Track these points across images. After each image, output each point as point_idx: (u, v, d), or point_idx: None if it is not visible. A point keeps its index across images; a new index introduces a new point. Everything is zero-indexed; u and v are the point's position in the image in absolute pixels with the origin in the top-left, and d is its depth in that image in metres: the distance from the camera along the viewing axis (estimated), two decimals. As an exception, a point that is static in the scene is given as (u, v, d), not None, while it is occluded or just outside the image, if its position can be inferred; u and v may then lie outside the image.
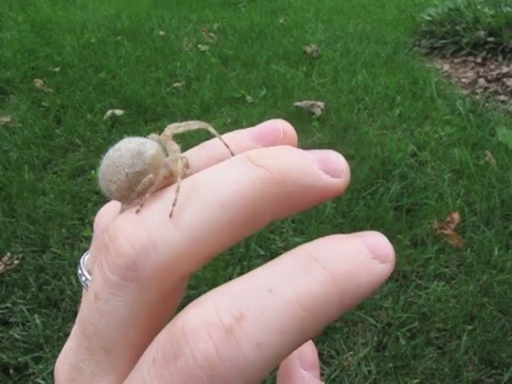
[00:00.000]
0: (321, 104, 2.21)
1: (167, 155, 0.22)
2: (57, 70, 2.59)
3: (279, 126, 0.21)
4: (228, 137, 0.22)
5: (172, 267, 0.18)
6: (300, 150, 0.20)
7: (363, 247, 0.19)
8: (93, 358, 0.19)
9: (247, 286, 0.17)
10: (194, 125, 0.23)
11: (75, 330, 0.20)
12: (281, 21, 3.55)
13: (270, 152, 0.19)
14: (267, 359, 0.16)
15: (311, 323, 0.17)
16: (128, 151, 0.22)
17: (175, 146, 0.22)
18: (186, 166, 0.22)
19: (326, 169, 0.19)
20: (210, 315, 0.17)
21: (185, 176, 0.21)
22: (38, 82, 2.42)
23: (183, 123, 0.23)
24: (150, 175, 0.21)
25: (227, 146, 0.21)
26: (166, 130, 0.23)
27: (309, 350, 0.25)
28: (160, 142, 0.22)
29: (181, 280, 0.19)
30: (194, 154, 0.23)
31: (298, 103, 2.22)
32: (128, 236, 0.18)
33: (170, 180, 0.22)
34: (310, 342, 0.25)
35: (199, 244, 0.18)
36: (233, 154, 0.21)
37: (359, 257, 0.18)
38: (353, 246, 0.18)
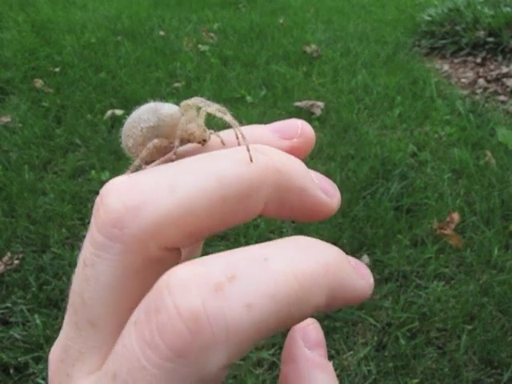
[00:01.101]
0: (321, 104, 2.21)
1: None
2: (57, 70, 2.59)
3: (298, 123, 0.22)
4: (247, 128, 0.22)
5: (159, 231, 0.17)
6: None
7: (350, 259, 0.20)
8: (80, 333, 0.18)
9: (243, 254, 0.17)
10: (216, 112, 0.23)
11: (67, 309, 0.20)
12: (281, 21, 3.55)
13: (276, 150, 0.20)
14: (255, 324, 0.15)
15: (301, 300, 0.16)
16: (146, 108, 0.23)
17: (200, 119, 0.23)
18: (207, 138, 0.22)
19: (322, 187, 0.21)
20: (199, 270, 0.16)
21: (201, 142, 0.22)
22: (38, 82, 2.42)
23: (209, 102, 0.23)
24: (156, 140, 0.22)
25: (242, 136, 0.21)
26: (193, 99, 0.23)
27: (312, 327, 0.24)
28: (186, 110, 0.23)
29: (169, 253, 0.18)
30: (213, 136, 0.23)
31: (297, 103, 2.22)
32: (120, 192, 0.18)
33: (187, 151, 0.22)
34: (314, 320, 0.25)
35: (190, 212, 0.17)
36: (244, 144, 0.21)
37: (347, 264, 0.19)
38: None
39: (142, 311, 0.16)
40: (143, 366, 0.15)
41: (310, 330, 0.24)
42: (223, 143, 0.22)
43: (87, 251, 0.18)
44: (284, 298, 0.16)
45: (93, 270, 0.18)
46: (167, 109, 0.23)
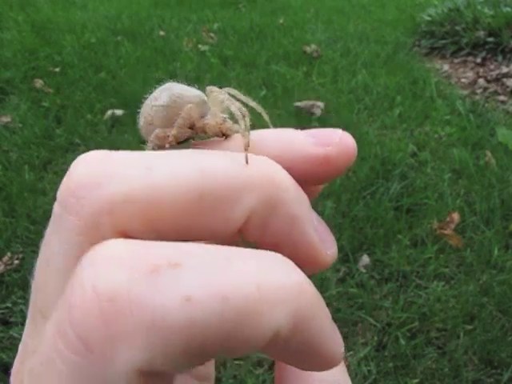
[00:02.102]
0: (321, 104, 2.21)
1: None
2: (57, 70, 2.59)
3: (338, 131, 0.19)
4: (276, 130, 0.20)
5: (119, 211, 0.14)
6: None
7: None
8: (35, 327, 0.16)
9: (202, 247, 0.14)
10: (250, 102, 0.22)
11: None
12: (281, 21, 3.55)
13: (284, 171, 0.18)
14: (191, 324, 0.12)
15: (258, 315, 0.13)
16: (161, 87, 0.21)
17: (219, 108, 0.21)
18: (223, 128, 0.20)
19: (320, 232, 0.18)
20: (137, 248, 0.13)
21: (219, 135, 0.20)
22: (38, 82, 2.42)
23: (243, 96, 0.22)
24: (157, 130, 0.20)
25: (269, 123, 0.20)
26: (225, 89, 0.22)
27: None
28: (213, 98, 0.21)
29: None
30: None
31: (297, 103, 2.22)
32: (90, 162, 0.16)
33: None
34: None
35: (158, 200, 0.15)
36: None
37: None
38: None
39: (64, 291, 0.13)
40: (52, 359, 0.13)
41: None
42: (247, 143, 0.19)
43: (47, 230, 0.16)
44: (237, 304, 0.13)
45: (47, 250, 0.16)
46: (180, 89, 0.21)
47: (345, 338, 1.17)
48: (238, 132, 0.20)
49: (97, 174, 0.15)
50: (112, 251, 0.13)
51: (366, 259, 1.37)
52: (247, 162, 0.16)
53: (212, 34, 3.24)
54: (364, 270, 1.34)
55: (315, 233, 0.17)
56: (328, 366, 0.16)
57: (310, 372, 0.20)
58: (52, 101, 2.25)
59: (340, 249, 1.40)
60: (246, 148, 0.18)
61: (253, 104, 0.22)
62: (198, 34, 3.25)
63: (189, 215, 0.15)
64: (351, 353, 1.13)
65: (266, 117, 0.22)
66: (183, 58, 2.80)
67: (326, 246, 0.18)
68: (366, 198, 1.61)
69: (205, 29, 3.32)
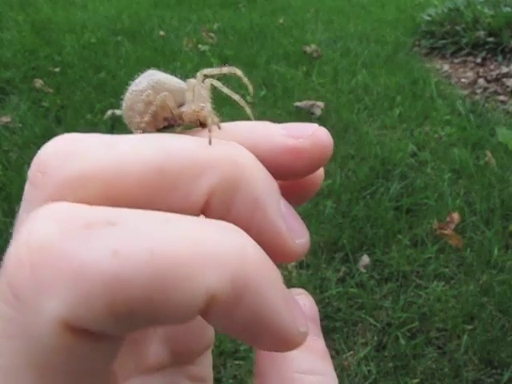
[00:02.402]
0: (321, 104, 2.21)
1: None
2: (57, 70, 2.59)
3: (314, 125, 0.19)
4: (252, 122, 0.20)
5: (82, 184, 0.15)
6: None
7: None
8: None
9: (143, 211, 0.14)
10: (224, 69, 0.22)
11: None
12: (281, 21, 3.55)
13: (251, 155, 0.17)
14: (116, 277, 0.12)
15: (190, 273, 0.12)
16: (143, 73, 0.22)
17: (203, 93, 0.21)
18: (201, 115, 0.20)
19: (288, 219, 0.17)
20: (78, 208, 0.14)
21: (196, 123, 0.20)
22: (38, 82, 2.42)
23: (226, 89, 0.22)
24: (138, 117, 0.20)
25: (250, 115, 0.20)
26: (198, 74, 0.22)
27: (305, 297, 0.20)
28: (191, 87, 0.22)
29: None
30: None
31: (297, 103, 2.22)
32: (58, 141, 0.16)
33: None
34: (306, 293, 0.21)
35: (117, 174, 0.15)
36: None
37: None
38: None
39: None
40: None
41: (300, 300, 0.19)
42: (219, 127, 0.19)
43: None
44: (165, 262, 0.12)
45: (17, 226, 0.16)
46: (160, 76, 0.21)
47: (345, 337, 1.17)
48: (215, 121, 0.20)
49: (62, 152, 0.15)
50: (53, 210, 0.13)
51: (365, 259, 1.37)
52: (210, 143, 0.16)
53: (212, 34, 3.24)
54: (364, 270, 1.34)
55: (281, 219, 0.17)
56: (283, 346, 0.15)
57: (284, 358, 0.19)
58: (52, 101, 2.25)
59: (340, 249, 1.40)
60: (210, 129, 0.18)
61: (235, 97, 0.22)
62: (197, 33, 3.25)
63: (149, 191, 0.15)
64: (351, 353, 1.13)
65: (248, 110, 0.22)
66: (183, 58, 2.80)
67: (294, 234, 0.17)
68: (365, 197, 1.61)
69: (205, 29, 3.32)
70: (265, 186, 0.16)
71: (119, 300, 0.12)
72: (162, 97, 0.20)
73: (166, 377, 0.22)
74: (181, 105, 0.21)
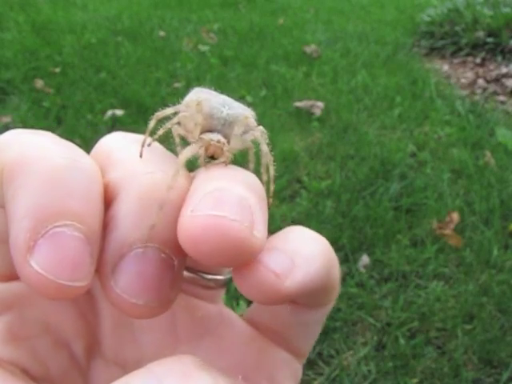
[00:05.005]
0: (320, 104, 2.21)
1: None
2: (57, 70, 2.59)
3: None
4: None
5: None
6: None
7: None
8: None
9: None
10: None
11: None
12: (281, 21, 3.55)
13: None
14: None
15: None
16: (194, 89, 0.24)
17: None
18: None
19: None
20: None
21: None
22: (39, 83, 2.43)
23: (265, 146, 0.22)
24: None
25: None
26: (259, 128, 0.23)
27: None
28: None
29: None
30: None
31: (297, 103, 2.22)
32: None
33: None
34: None
35: None
36: None
37: None
38: None
39: None
40: None
41: None
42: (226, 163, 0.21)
43: None
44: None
45: None
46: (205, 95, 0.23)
47: (345, 337, 1.17)
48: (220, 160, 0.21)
49: None
50: None
51: (365, 259, 1.38)
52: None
53: (212, 35, 3.24)
54: (364, 270, 1.35)
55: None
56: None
57: None
58: (52, 101, 2.25)
59: (340, 248, 1.41)
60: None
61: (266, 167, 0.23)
62: (198, 34, 3.25)
63: None
64: (351, 352, 1.14)
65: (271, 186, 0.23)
66: (183, 58, 2.80)
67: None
68: (365, 197, 1.62)
69: (205, 29, 3.32)
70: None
71: None
72: (182, 116, 0.22)
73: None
74: (208, 131, 0.22)
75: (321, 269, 0.19)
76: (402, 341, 1.15)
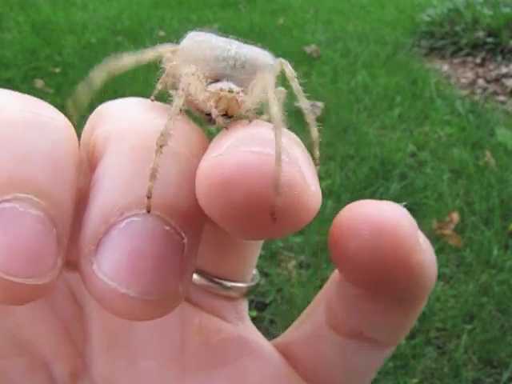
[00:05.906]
0: (321, 104, 2.21)
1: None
2: (57, 70, 2.59)
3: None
4: None
5: None
6: None
7: None
8: None
9: None
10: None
11: None
12: (281, 21, 3.55)
13: None
14: None
15: None
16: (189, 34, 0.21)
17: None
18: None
19: None
20: None
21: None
22: (39, 83, 2.43)
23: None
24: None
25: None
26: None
27: None
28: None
29: None
30: None
31: (297, 103, 2.22)
32: None
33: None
34: None
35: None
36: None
37: None
38: None
39: None
40: None
41: None
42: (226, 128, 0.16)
43: None
44: None
45: None
46: (201, 38, 0.18)
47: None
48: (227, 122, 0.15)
49: None
50: None
51: (365, 259, 1.37)
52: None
53: (212, 35, 3.25)
54: (364, 270, 1.34)
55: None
56: None
57: None
58: (52, 101, 2.25)
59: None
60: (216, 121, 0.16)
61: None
62: (197, 34, 3.25)
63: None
64: (351, 352, 1.14)
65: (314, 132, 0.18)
66: (183, 58, 2.80)
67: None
68: (365, 197, 1.61)
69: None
70: None
71: None
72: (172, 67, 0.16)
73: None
74: (214, 80, 0.16)
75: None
76: (401, 341, 1.15)
